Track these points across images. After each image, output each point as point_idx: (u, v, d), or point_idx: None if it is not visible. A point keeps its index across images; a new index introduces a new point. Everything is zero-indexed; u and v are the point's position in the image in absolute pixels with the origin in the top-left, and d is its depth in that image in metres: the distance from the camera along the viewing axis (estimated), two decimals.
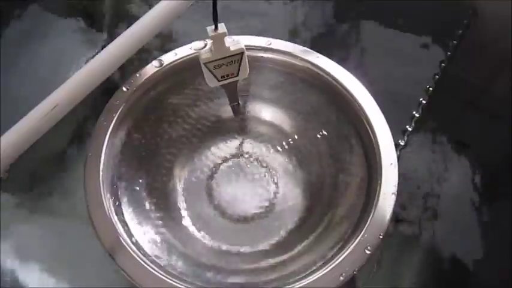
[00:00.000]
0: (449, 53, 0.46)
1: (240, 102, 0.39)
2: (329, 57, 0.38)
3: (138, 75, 0.37)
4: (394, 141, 0.39)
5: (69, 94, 0.26)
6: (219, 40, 0.31)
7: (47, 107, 0.26)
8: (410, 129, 0.41)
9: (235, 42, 0.33)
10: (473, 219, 0.40)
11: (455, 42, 0.47)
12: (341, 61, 0.37)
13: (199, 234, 0.37)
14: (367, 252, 0.29)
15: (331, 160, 0.38)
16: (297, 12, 0.53)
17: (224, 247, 0.36)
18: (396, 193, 0.31)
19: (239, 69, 0.35)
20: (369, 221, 0.30)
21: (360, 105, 0.35)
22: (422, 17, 0.51)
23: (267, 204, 0.38)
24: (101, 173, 0.32)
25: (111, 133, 0.34)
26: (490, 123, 0.47)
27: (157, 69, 0.37)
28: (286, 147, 0.41)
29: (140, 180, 0.37)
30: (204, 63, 0.33)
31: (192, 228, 0.37)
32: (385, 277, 0.38)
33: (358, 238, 0.29)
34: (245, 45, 0.33)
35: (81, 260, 0.37)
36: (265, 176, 0.40)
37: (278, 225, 0.37)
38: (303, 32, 0.51)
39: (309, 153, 0.40)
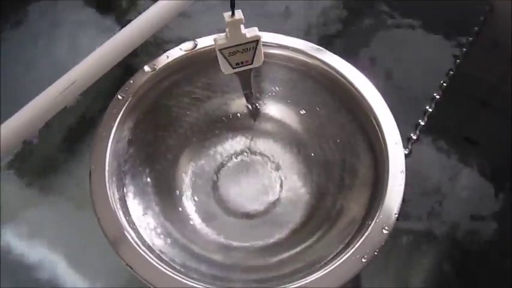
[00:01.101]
0: (464, 49, 0.45)
1: (252, 91, 0.40)
2: (344, 53, 0.37)
3: (131, 81, 0.36)
4: (407, 135, 0.39)
5: (87, 71, 0.27)
6: (235, 26, 0.32)
7: (65, 83, 0.26)
8: (422, 123, 0.40)
9: (251, 29, 0.33)
10: (482, 216, 0.40)
11: (470, 38, 0.46)
12: (355, 56, 0.37)
13: (202, 228, 0.37)
14: (385, 232, 0.29)
15: (338, 152, 0.38)
16: (313, 6, 0.54)
17: (234, 243, 0.37)
18: (405, 171, 0.31)
19: (254, 57, 0.35)
20: (382, 201, 0.30)
21: (364, 98, 0.35)
22: (439, 13, 0.51)
23: (274, 198, 0.38)
24: (106, 164, 0.33)
25: (118, 124, 0.35)
26: (502, 122, 0.47)
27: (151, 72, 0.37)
28: (293, 144, 0.41)
29: (146, 172, 0.37)
30: (219, 50, 0.33)
31: (196, 222, 0.38)
32: (393, 278, 0.38)
33: (375, 219, 0.29)
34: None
35: (89, 243, 0.38)
36: (271, 172, 0.40)
37: (286, 220, 0.37)
38: (317, 27, 0.51)
39: (316, 149, 0.40)
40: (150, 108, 0.38)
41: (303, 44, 0.39)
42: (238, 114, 0.42)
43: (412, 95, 0.44)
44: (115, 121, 0.34)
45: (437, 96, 0.42)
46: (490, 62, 0.50)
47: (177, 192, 0.38)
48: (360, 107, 0.36)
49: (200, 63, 0.39)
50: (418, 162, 0.43)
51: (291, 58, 0.39)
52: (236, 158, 0.41)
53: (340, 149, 0.37)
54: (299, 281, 0.29)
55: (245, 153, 0.41)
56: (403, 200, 0.31)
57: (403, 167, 0.31)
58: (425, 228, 0.39)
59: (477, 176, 0.42)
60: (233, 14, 0.31)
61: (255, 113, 0.42)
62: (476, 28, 0.48)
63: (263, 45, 0.36)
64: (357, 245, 0.29)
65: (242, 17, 0.31)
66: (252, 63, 0.35)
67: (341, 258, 0.29)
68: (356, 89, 0.36)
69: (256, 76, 0.40)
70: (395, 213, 0.30)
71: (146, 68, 0.37)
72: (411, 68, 0.46)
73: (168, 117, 0.40)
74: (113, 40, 0.28)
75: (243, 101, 0.40)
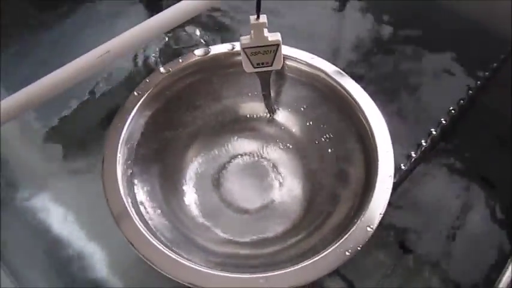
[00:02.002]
0: (479, 82, 0.47)
1: (271, 93, 0.43)
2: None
3: (147, 80, 0.40)
4: (407, 152, 0.41)
5: (122, 43, 0.31)
6: (258, 29, 0.35)
7: (100, 51, 0.31)
8: (424, 144, 0.42)
9: (274, 34, 0.37)
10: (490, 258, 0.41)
11: (487, 73, 0.48)
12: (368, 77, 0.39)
13: (200, 219, 0.40)
14: (369, 230, 0.32)
15: (335, 160, 0.41)
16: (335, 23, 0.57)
17: (231, 236, 0.39)
18: (393, 176, 0.33)
19: (274, 60, 0.38)
20: (369, 202, 0.33)
21: (366, 118, 0.38)
22: (462, 44, 0.53)
23: (272, 197, 0.41)
24: (118, 152, 0.36)
25: (133, 117, 0.38)
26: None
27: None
28: (295, 150, 0.43)
29: (154, 163, 0.40)
30: (243, 48, 0.37)
31: (195, 213, 0.40)
32: None
33: (360, 218, 0.32)
34: None
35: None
36: (271, 172, 0.42)
37: (282, 216, 0.40)
38: (337, 43, 0.54)
39: (313, 153, 0.42)
40: (163, 106, 0.41)
41: (326, 65, 0.41)
42: (247, 116, 0.45)
43: (419, 118, 0.46)
44: (129, 114, 0.38)
45: (444, 122, 0.44)
46: (509, 99, 0.52)
47: (181, 183, 0.41)
48: (361, 124, 0.38)
49: (212, 68, 0.43)
50: (429, 195, 0.46)
51: (310, 75, 0.42)
52: (240, 158, 0.43)
53: (337, 158, 0.40)
54: (287, 268, 0.31)
55: (249, 155, 0.43)
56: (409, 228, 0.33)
57: (391, 172, 0.34)
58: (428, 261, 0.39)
59: (488, 215, 0.43)
60: (258, 17, 0.34)
61: (270, 114, 0.45)
62: (495, 64, 0.49)
63: (288, 59, 0.40)
64: (342, 240, 0.31)
65: (266, 21, 0.35)
66: (271, 65, 0.39)
67: (327, 250, 0.31)
68: (360, 108, 0.38)
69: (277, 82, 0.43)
70: (380, 213, 0.32)
71: (161, 69, 0.41)
72: (423, 93, 0.48)
73: (179, 115, 0.43)
74: (145, 23, 0.33)
75: (251, 104, 0.44)
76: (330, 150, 0.41)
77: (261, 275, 0.31)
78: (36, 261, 0.39)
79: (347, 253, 0.31)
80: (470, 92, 0.46)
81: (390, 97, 0.48)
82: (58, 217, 0.41)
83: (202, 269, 0.31)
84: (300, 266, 0.31)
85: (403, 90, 0.49)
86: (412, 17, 0.56)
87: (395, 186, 0.48)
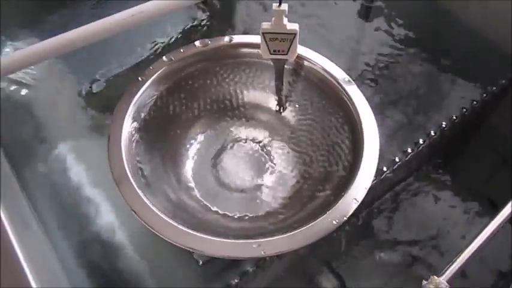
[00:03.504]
0: (485, 95, 0.49)
1: (283, 83, 0.46)
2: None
3: (151, 67, 0.43)
4: (404, 148, 0.44)
5: (152, 8, 0.35)
6: (279, 15, 0.39)
7: (135, 11, 0.34)
8: (421, 141, 0.45)
9: (292, 24, 0.40)
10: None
11: (494, 88, 0.50)
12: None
13: (196, 194, 0.42)
14: (355, 202, 0.34)
15: (325, 145, 0.43)
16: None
17: (225, 211, 0.41)
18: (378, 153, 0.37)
19: (289, 49, 0.41)
20: (355, 178, 0.35)
21: (360, 118, 0.40)
22: (474, 60, 0.55)
23: (265, 179, 0.43)
24: (123, 132, 0.39)
25: (136, 100, 0.41)
26: None
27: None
28: (286, 134, 0.46)
29: (156, 145, 0.43)
30: (263, 33, 0.40)
31: (191, 186, 0.43)
32: None
33: (347, 191, 0.35)
34: None
35: None
36: (264, 156, 0.45)
37: (273, 197, 0.42)
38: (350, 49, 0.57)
39: (306, 141, 0.45)
40: (165, 91, 0.44)
41: (337, 70, 0.44)
42: (246, 105, 0.48)
43: (420, 120, 0.48)
44: (134, 97, 0.41)
45: (444, 125, 0.46)
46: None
47: (181, 160, 0.44)
48: (352, 117, 0.41)
49: (211, 58, 0.46)
50: (433, 213, 0.49)
51: (318, 75, 0.45)
52: (238, 142, 0.46)
53: (328, 145, 0.43)
54: (280, 235, 0.33)
55: (247, 140, 0.46)
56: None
57: (377, 153, 0.37)
58: None
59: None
60: (280, 4, 0.38)
61: (281, 104, 0.47)
62: (503, 81, 0.51)
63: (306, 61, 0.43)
64: (329, 211, 0.34)
65: (286, 8, 0.38)
66: (286, 54, 0.42)
67: (317, 219, 0.34)
68: (357, 111, 0.41)
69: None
70: (365, 187, 0.35)
71: (164, 58, 0.44)
72: (428, 100, 0.51)
73: (180, 100, 0.46)
74: None
75: (250, 93, 0.47)
76: (321, 139, 0.44)
77: (254, 241, 0.33)
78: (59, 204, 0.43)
79: (334, 222, 0.33)
80: (475, 102, 0.49)
81: (395, 101, 0.50)
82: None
83: (198, 234, 0.33)
84: (290, 233, 0.33)
85: (409, 97, 0.52)
86: (427, 32, 0.59)
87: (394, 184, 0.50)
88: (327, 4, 0.62)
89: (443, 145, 0.55)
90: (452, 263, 0.31)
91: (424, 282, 0.31)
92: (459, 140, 0.59)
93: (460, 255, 0.32)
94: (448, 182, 0.55)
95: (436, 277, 0.30)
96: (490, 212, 0.54)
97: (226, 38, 0.46)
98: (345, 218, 0.33)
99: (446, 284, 0.30)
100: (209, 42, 0.46)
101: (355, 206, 0.34)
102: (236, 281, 0.38)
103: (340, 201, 0.34)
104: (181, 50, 0.45)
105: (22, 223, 0.36)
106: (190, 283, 0.39)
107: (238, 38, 0.46)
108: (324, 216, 0.34)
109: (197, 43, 0.45)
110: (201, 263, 0.38)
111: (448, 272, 0.31)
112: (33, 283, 0.30)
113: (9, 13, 0.57)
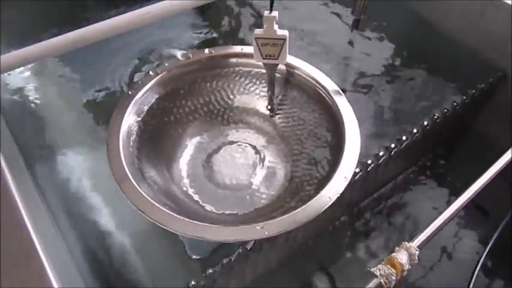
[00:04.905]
0: (465, 98, 0.53)
1: (275, 91, 0.49)
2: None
3: (139, 82, 0.47)
4: (387, 144, 0.47)
5: (158, 9, 0.38)
6: (270, 21, 0.42)
7: (142, 12, 0.38)
8: (404, 138, 0.48)
9: (282, 30, 0.43)
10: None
11: (474, 91, 0.54)
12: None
13: (188, 190, 0.44)
14: (345, 179, 0.37)
15: (311, 143, 0.46)
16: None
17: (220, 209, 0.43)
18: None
19: (280, 54, 0.45)
20: (341, 159, 0.39)
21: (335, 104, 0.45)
22: (455, 66, 0.59)
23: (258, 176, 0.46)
24: (124, 119, 0.42)
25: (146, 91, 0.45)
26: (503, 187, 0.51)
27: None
28: (275, 134, 0.49)
29: (152, 143, 0.45)
30: (255, 38, 0.43)
31: (185, 183, 0.45)
32: None
33: (337, 171, 0.38)
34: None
35: None
36: (256, 156, 0.48)
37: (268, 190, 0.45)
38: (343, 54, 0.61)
39: (294, 140, 0.48)
40: (166, 93, 0.48)
41: (328, 82, 0.47)
42: (239, 109, 0.51)
43: (404, 119, 0.52)
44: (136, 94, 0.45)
45: (426, 124, 0.49)
46: (503, 128, 0.57)
47: (176, 160, 0.47)
48: (335, 115, 0.44)
49: (211, 66, 0.50)
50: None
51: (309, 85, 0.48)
52: (230, 144, 0.49)
53: (314, 142, 0.46)
54: (280, 217, 0.36)
55: (239, 142, 0.49)
56: None
57: (358, 138, 0.41)
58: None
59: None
60: (271, 11, 0.41)
61: (272, 109, 0.50)
62: (483, 85, 0.55)
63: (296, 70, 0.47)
64: (323, 190, 0.37)
65: (276, 15, 0.41)
66: (277, 59, 0.45)
67: (312, 198, 0.36)
68: (341, 114, 0.44)
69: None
70: (351, 167, 0.38)
71: (151, 72, 0.47)
72: (411, 101, 0.55)
73: (179, 101, 0.49)
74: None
75: (244, 98, 0.50)
76: (308, 137, 0.47)
77: (257, 224, 0.35)
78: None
79: (328, 199, 0.36)
80: (455, 103, 0.52)
81: (380, 102, 0.54)
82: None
83: (205, 224, 0.35)
84: (291, 213, 0.36)
85: (395, 99, 0.55)
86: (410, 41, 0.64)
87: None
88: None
89: (427, 146, 0.58)
90: (423, 231, 0.35)
91: (397, 248, 0.34)
92: (444, 144, 0.62)
93: (430, 226, 0.35)
94: (435, 184, 0.58)
95: (407, 242, 0.33)
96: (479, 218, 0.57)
97: (206, 51, 0.50)
98: (338, 194, 0.36)
99: (416, 247, 0.33)
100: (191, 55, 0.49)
101: (345, 183, 0.37)
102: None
103: (331, 181, 0.37)
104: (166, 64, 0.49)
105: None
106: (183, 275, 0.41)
107: (217, 50, 0.50)
108: (319, 195, 0.36)
109: (179, 56, 0.49)
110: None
111: (417, 239, 0.34)
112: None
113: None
